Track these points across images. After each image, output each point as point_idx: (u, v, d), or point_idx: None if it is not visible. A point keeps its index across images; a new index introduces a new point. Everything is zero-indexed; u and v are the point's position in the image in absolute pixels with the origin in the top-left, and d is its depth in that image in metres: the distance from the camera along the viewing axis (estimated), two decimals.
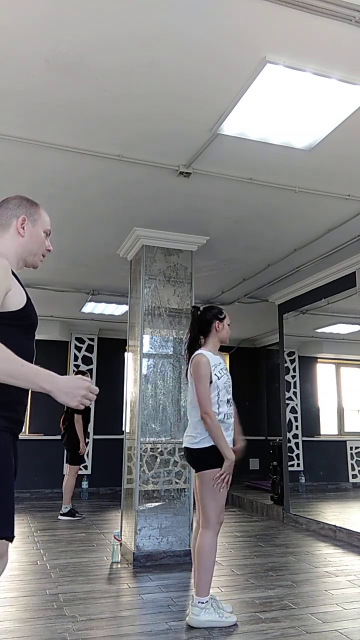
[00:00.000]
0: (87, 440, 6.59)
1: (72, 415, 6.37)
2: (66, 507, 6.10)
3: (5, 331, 1.62)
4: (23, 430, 7.61)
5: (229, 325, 3.20)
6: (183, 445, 3.11)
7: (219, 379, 3.01)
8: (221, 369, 3.05)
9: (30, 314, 1.74)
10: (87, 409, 6.64)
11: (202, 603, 2.85)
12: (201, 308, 3.23)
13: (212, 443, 2.90)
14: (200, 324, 3.16)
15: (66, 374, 8.19)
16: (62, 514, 6.09)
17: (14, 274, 1.75)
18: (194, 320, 3.19)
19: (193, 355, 3.06)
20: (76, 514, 6.12)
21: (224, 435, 2.90)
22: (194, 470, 3.09)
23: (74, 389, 1.53)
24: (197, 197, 3.97)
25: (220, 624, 2.83)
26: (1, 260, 1.69)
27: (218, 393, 3.00)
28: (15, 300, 1.68)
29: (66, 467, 6.41)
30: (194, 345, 3.15)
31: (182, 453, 4.40)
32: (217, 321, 3.14)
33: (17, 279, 1.76)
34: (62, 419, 6.57)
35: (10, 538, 1.60)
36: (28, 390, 1.73)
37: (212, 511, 2.91)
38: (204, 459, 2.93)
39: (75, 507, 6.24)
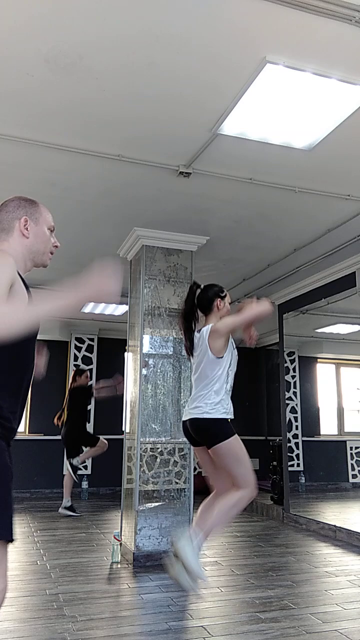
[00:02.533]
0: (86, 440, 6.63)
1: (70, 413, 6.40)
2: (68, 501, 6.15)
3: None
4: (23, 430, 7.65)
5: (230, 303, 3.22)
6: (187, 418, 3.03)
7: (234, 348, 3.09)
8: (234, 348, 3.12)
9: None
10: (87, 397, 6.68)
11: (197, 536, 2.77)
12: (202, 286, 3.23)
13: (224, 416, 2.92)
14: (202, 302, 3.17)
15: (66, 374, 8.24)
16: (64, 507, 6.13)
17: (20, 277, 1.74)
18: (191, 294, 3.19)
19: (202, 329, 3.08)
20: (75, 511, 6.16)
21: None
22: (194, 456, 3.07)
23: (97, 285, 1.55)
24: (197, 197, 3.97)
25: (191, 568, 2.70)
26: (7, 257, 1.68)
27: (230, 362, 3.05)
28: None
29: (66, 464, 6.42)
30: (190, 318, 3.14)
31: (183, 454, 4.39)
32: (219, 299, 3.16)
33: (23, 281, 1.75)
34: (56, 417, 6.60)
35: (9, 540, 1.60)
36: (23, 399, 1.74)
37: (246, 474, 2.90)
38: (216, 431, 2.91)
39: (74, 508, 6.25)
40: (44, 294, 1.55)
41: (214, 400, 2.96)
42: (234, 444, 2.92)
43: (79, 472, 6.91)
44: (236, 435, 2.94)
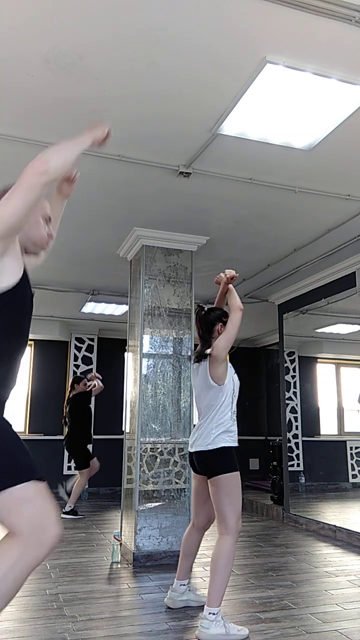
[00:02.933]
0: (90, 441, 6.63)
1: (70, 421, 6.40)
2: (69, 506, 6.13)
3: None
4: (23, 430, 7.61)
5: None
6: (193, 450, 2.99)
7: (234, 374, 3.06)
8: (233, 373, 3.08)
9: (19, 294, 1.67)
10: (88, 409, 6.66)
11: (213, 614, 2.68)
12: (206, 308, 3.18)
13: (226, 444, 2.88)
14: (204, 325, 3.10)
15: (66, 374, 8.24)
16: (64, 512, 6.11)
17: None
18: (198, 320, 3.14)
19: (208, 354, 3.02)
20: (77, 513, 6.15)
21: None
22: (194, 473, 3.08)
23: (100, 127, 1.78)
24: (197, 197, 3.97)
25: (231, 639, 2.65)
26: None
27: (233, 389, 3.02)
28: (6, 278, 1.62)
29: (66, 467, 6.42)
30: (204, 345, 3.06)
31: (183, 454, 4.40)
32: (220, 324, 3.07)
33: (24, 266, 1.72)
34: (63, 420, 6.60)
35: (40, 479, 1.57)
36: (14, 367, 1.70)
37: (231, 517, 2.82)
38: (219, 461, 2.87)
39: (76, 507, 6.25)
40: (54, 146, 1.70)
41: (219, 430, 2.92)
42: (232, 480, 2.86)
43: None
44: (238, 472, 2.89)
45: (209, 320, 3.09)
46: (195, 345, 3.16)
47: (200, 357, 3.04)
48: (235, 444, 2.96)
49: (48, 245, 1.89)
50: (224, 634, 2.65)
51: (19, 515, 1.49)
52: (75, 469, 6.44)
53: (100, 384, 6.69)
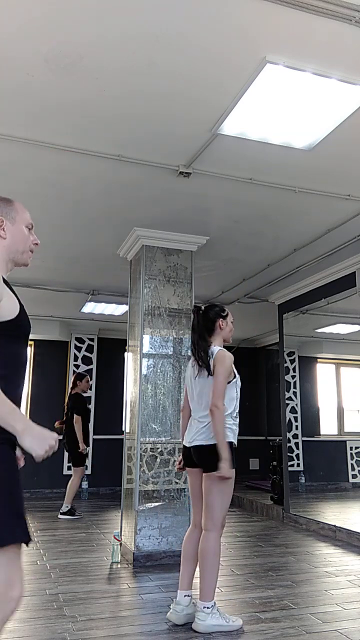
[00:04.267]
0: (88, 440, 6.62)
1: (71, 417, 6.38)
2: (66, 507, 6.12)
3: None
4: None
5: (232, 322, 3.18)
6: (192, 444, 2.98)
7: (237, 377, 3.06)
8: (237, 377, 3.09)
9: (23, 323, 1.71)
10: (87, 409, 6.66)
11: (208, 608, 2.79)
12: (203, 307, 3.19)
13: (227, 439, 2.87)
14: (205, 323, 3.10)
15: (66, 374, 8.24)
16: (61, 513, 6.10)
17: (5, 282, 1.72)
18: (197, 320, 3.14)
19: (213, 351, 3.01)
20: (75, 512, 6.14)
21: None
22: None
23: (43, 438, 1.52)
24: (197, 197, 3.97)
25: (227, 629, 2.78)
26: None
27: (237, 390, 3.03)
28: (7, 311, 1.65)
29: (66, 467, 6.42)
30: (202, 343, 3.06)
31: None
32: (221, 319, 3.11)
33: (9, 287, 1.74)
34: (58, 421, 6.58)
35: (24, 541, 1.56)
36: (20, 391, 1.73)
37: (219, 512, 2.87)
38: (217, 457, 2.87)
39: (75, 507, 6.25)
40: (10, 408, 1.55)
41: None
42: (224, 481, 2.86)
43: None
44: (234, 470, 2.88)
45: (210, 317, 3.11)
46: (195, 347, 3.10)
47: (202, 361, 3.03)
48: (235, 443, 2.96)
49: (32, 252, 1.90)
50: (220, 624, 2.78)
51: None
52: (72, 465, 6.44)
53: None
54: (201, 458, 2.95)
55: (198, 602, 2.83)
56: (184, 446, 3.09)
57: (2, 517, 1.53)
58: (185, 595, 2.92)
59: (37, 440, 1.51)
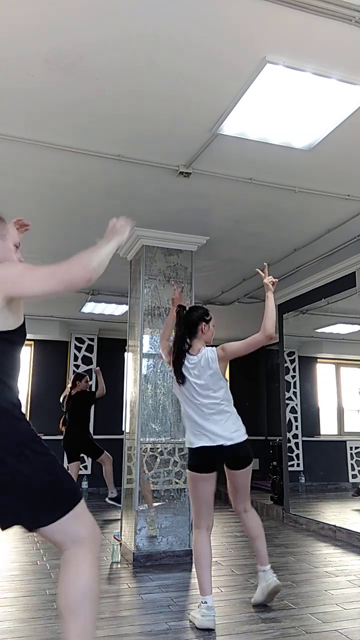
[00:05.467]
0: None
1: (78, 418, 6.42)
2: (112, 493, 6.27)
3: (5, 347, 1.73)
4: None
5: (213, 326, 3.18)
6: (230, 443, 2.96)
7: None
8: None
9: (25, 330, 1.83)
10: (88, 403, 6.69)
11: (270, 569, 3.15)
12: (187, 308, 3.20)
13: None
14: (187, 324, 3.11)
15: (66, 375, 8.24)
16: (109, 499, 6.26)
17: None
18: (179, 320, 3.14)
19: (202, 352, 3.04)
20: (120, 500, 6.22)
21: None
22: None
23: (118, 231, 1.98)
24: (197, 197, 3.97)
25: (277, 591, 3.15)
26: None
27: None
28: (16, 320, 1.76)
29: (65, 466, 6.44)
30: (181, 345, 3.08)
31: (183, 453, 4.38)
32: (203, 323, 3.11)
33: None
34: (62, 420, 6.60)
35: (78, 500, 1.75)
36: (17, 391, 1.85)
37: (249, 488, 3.15)
38: (250, 449, 3.06)
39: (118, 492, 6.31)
40: (89, 249, 1.81)
41: (240, 421, 3.06)
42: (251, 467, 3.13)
43: (79, 472, 6.93)
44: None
45: (192, 320, 3.12)
46: (176, 348, 3.10)
47: (189, 354, 3.06)
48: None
49: None
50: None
51: (81, 526, 1.73)
52: (94, 459, 6.54)
53: (102, 384, 6.71)
54: (237, 456, 3.03)
55: (261, 567, 3.17)
56: (214, 445, 2.97)
57: (69, 483, 1.78)
58: (212, 599, 2.91)
59: (119, 235, 1.97)
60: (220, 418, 3.01)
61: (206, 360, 3.03)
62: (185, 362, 3.05)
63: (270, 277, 3.16)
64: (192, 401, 3.06)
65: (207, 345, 3.15)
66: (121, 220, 2.04)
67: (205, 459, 2.99)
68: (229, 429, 3.00)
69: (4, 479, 1.62)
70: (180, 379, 3.05)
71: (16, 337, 1.77)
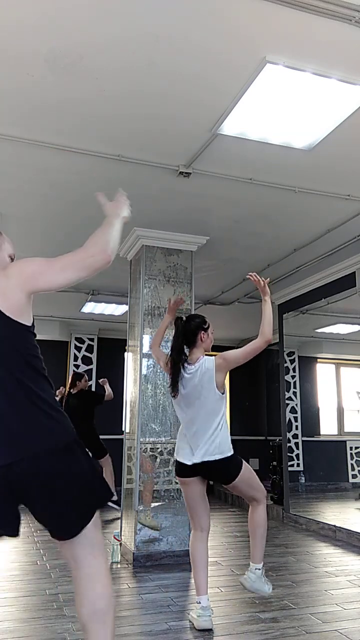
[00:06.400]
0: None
1: (79, 414, 6.42)
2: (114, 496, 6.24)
3: (34, 340, 1.79)
4: None
5: (212, 333, 3.14)
6: (204, 459, 2.91)
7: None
8: None
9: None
10: (91, 402, 6.70)
11: (259, 570, 3.10)
12: (184, 317, 3.15)
13: (232, 451, 2.98)
14: (185, 334, 3.06)
15: (66, 375, 8.23)
16: (112, 502, 6.24)
17: None
18: (177, 331, 3.09)
19: (199, 362, 2.99)
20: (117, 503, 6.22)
21: None
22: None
23: (120, 207, 2.09)
24: (197, 197, 3.97)
25: (262, 594, 3.15)
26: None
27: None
28: (31, 313, 1.81)
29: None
30: (179, 355, 3.03)
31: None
32: (202, 331, 3.06)
33: None
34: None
35: (109, 499, 1.79)
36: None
37: (260, 486, 3.10)
38: (236, 463, 2.98)
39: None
40: (99, 231, 1.86)
41: (226, 436, 2.97)
42: (246, 470, 3.01)
43: None
44: (242, 459, 3.03)
45: (191, 329, 3.06)
46: (173, 359, 3.05)
47: (187, 363, 3.01)
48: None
49: None
50: (261, 590, 3.14)
51: (96, 532, 1.76)
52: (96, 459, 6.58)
53: (109, 390, 6.72)
54: (217, 472, 2.99)
55: (251, 564, 3.12)
56: (196, 461, 2.95)
57: (100, 490, 1.78)
58: (208, 599, 2.91)
59: (121, 211, 2.06)
60: (207, 433, 2.94)
61: (204, 371, 2.97)
62: (183, 373, 3.00)
63: (262, 280, 3.13)
64: (184, 412, 3.03)
65: (206, 354, 3.11)
66: (117, 198, 2.11)
67: (184, 470, 3.02)
68: (212, 444, 2.93)
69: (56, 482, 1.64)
70: (175, 390, 3.00)
71: (34, 331, 1.82)
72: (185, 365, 3.01)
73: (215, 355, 3.03)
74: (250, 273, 3.19)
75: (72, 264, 1.73)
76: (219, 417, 2.97)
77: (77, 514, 1.69)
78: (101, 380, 6.92)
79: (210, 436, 2.93)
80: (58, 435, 1.69)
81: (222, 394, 2.99)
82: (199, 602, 2.89)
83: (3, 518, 1.68)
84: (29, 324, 1.76)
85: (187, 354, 3.07)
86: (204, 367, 2.97)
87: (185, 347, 3.08)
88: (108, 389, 6.73)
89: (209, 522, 3.08)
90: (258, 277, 3.13)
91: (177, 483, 4.39)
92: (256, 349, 2.95)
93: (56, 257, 1.74)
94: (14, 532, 1.70)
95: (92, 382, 8.28)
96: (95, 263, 1.74)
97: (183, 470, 3.01)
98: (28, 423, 1.65)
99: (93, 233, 1.82)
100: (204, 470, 2.97)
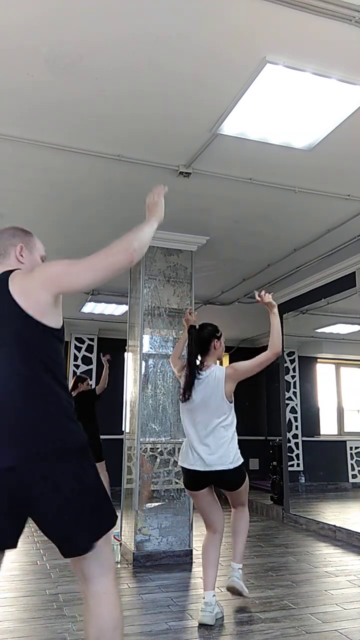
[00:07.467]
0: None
1: (86, 415, 6.42)
2: None
3: (58, 345, 1.76)
4: None
5: (224, 342, 3.20)
6: (211, 469, 2.94)
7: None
8: None
9: (64, 331, 1.85)
10: (92, 403, 6.68)
11: (240, 569, 3.25)
12: (197, 326, 3.19)
13: (241, 460, 3.03)
14: (199, 342, 3.11)
15: (66, 375, 8.23)
16: None
17: None
18: (191, 339, 3.12)
19: (211, 370, 3.03)
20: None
21: None
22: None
23: (158, 207, 2.14)
24: (197, 197, 3.96)
25: (246, 593, 3.27)
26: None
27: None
28: (59, 318, 1.80)
29: None
30: (194, 362, 3.07)
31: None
32: (215, 339, 3.13)
33: None
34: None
35: (111, 525, 1.81)
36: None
37: (246, 495, 3.24)
38: (241, 474, 3.04)
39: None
40: (132, 230, 1.85)
41: (235, 446, 3.01)
42: (246, 478, 3.13)
43: None
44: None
45: (204, 337, 3.12)
46: (189, 366, 3.08)
47: (200, 370, 3.05)
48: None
49: None
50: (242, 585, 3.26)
51: (107, 549, 1.81)
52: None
53: (107, 374, 6.57)
54: (222, 481, 3.05)
55: (233, 564, 3.26)
56: (201, 470, 2.97)
57: (108, 507, 1.81)
58: (213, 595, 2.96)
59: (157, 212, 2.11)
60: (215, 441, 2.96)
61: (214, 379, 3.02)
62: (196, 379, 3.05)
63: (268, 295, 3.15)
64: (192, 418, 3.05)
65: (217, 363, 3.19)
66: (153, 194, 2.13)
67: (191, 479, 3.05)
68: (219, 453, 2.95)
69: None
70: (186, 395, 3.03)
71: (62, 335, 1.79)
72: (199, 371, 3.06)
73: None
74: (257, 295, 3.19)
75: (95, 264, 1.73)
76: (228, 425, 3.01)
77: (89, 526, 1.67)
78: (105, 356, 6.63)
79: (226, 444, 2.97)
80: (75, 435, 1.69)
81: (230, 402, 3.03)
82: (204, 597, 2.95)
83: (2, 534, 1.63)
84: (54, 326, 1.73)
85: (200, 361, 3.12)
86: (215, 375, 3.02)
87: (198, 355, 3.13)
88: (106, 370, 6.55)
89: (223, 523, 3.15)
90: (261, 295, 3.16)
91: (177, 483, 4.40)
92: (266, 360, 2.99)
93: (80, 258, 1.75)
94: (12, 546, 1.67)
95: (92, 382, 8.28)
96: (117, 263, 1.73)
97: (192, 482, 3.05)
98: (42, 422, 1.64)
99: (128, 232, 1.84)
100: (214, 479, 3.01)
